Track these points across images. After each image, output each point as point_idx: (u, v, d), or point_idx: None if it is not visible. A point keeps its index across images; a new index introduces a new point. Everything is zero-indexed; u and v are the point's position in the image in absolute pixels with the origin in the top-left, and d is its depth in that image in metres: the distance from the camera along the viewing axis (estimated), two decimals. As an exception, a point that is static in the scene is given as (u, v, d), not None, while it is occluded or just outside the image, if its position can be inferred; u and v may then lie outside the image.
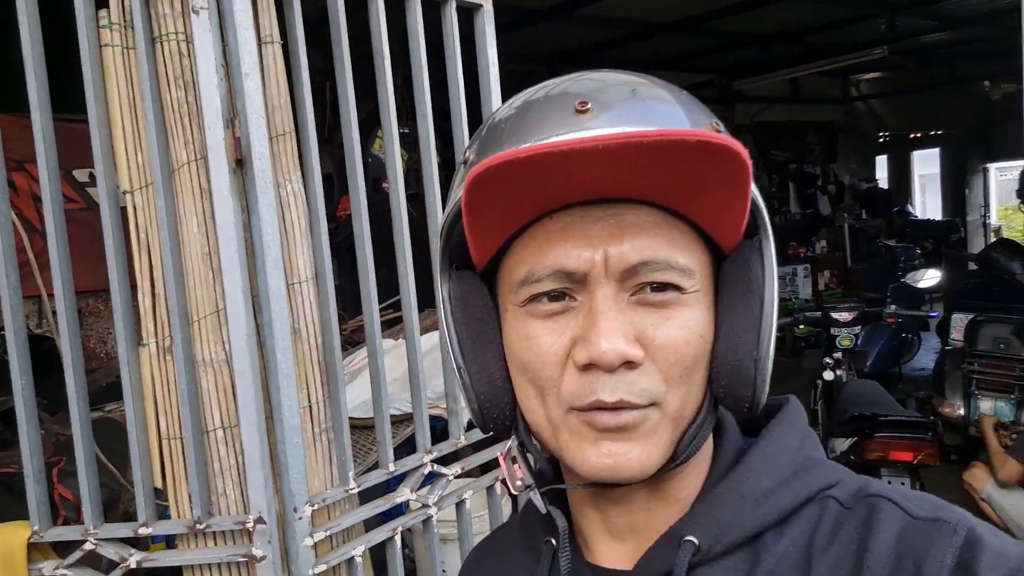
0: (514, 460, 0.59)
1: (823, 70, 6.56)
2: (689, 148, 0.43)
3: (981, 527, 0.47)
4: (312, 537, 1.40)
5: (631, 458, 0.50)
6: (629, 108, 0.49)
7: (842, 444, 2.79)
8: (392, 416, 2.66)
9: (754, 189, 0.49)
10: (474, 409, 0.57)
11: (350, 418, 2.76)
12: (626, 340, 0.48)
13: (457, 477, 1.71)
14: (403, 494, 1.60)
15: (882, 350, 5.32)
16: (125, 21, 1.34)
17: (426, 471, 1.64)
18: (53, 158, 1.37)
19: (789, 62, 6.55)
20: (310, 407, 1.49)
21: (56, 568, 1.41)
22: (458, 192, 0.52)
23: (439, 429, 2.40)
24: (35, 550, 1.43)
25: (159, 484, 1.44)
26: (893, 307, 3.39)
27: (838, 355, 3.40)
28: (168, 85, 1.33)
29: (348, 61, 1.51)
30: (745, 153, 0.43)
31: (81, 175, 3.70)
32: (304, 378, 1.48)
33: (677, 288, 0.50)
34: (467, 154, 0.56)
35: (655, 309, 0.50)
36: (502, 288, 0.56)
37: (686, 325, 0.50)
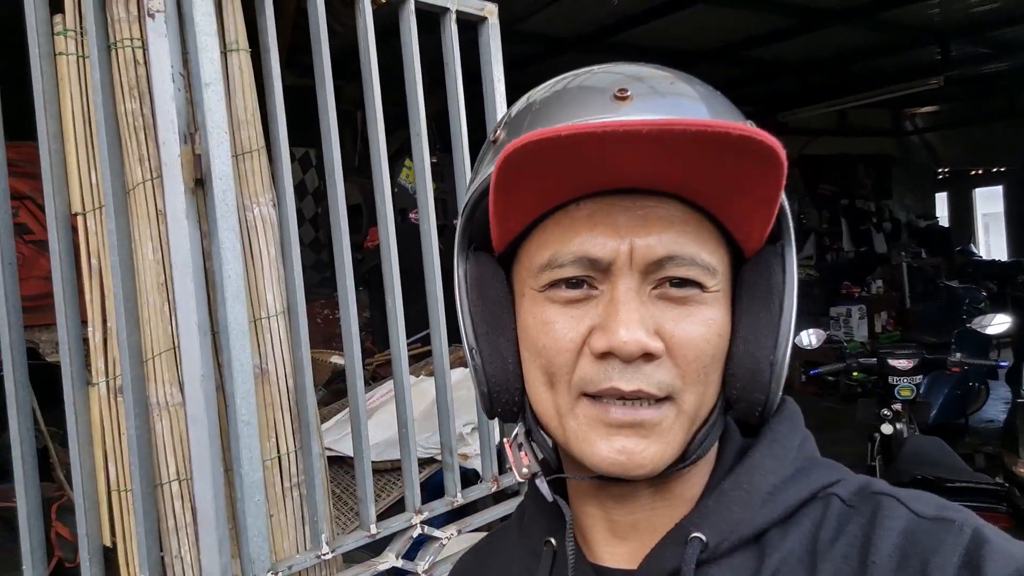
0: (520, 447, 0.58)
1: (874, 101, 6.28)
2: (731, 142, 0.42)
3: (987, 527, 0.47)
4: (274, 610, 1.22)
5: (645, 456, 0.49)
6: (669, 99, 0.49)
7: (902, 509, 2.47)
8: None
9: (782, 195, 0.48)
10: (483, 392, 0.55)
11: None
12: (646, 332, 0.48)
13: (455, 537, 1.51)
14: (387, 560, 1.41)
15: (946, 400, 4.90)
16: (81, 28, 1.23)
17: (415, 534, 1.45)
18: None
19: (836, 92, 6.29)
20: (279, 457, 1.32)
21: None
22: (487, 170, 0.51)
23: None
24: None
25: (108, 542, 1.28)
26: (958, 355, 3.05)
27: (897, 406, 3.07)
28: (122, 96, 1.20)
29: (377, 88, 1.44)
30: (784, 153, 0.43)
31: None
32: (273, 424, 1.32)
33: (699, 285, 0.50)
34: (497, 133, 0.54)
35: (676, 305, 0.49)
36: (520, 273, 0.54)
37: (707, 323, 0.50)
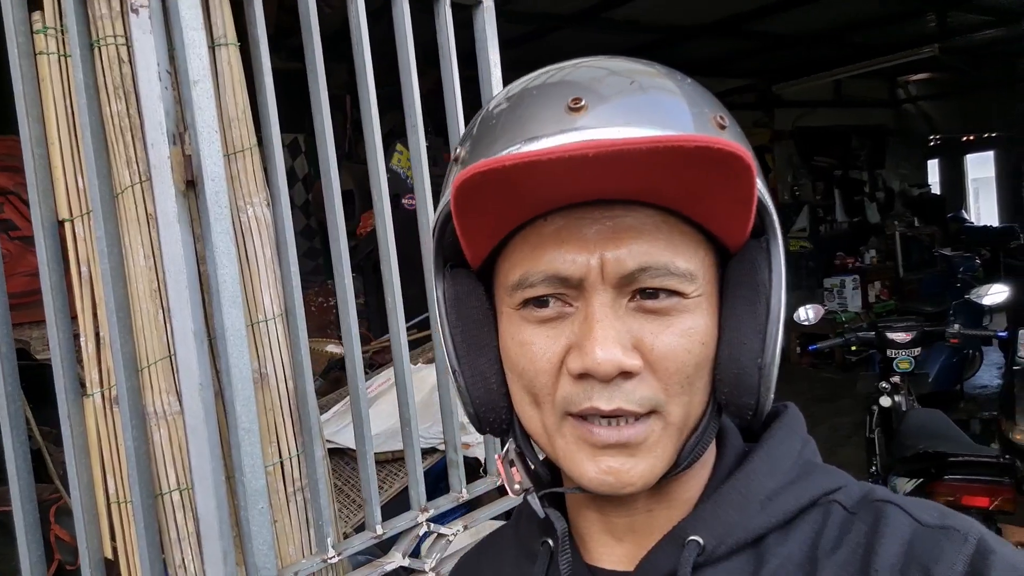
0: (511, 463, 0.57)
1: (868, 71, 6.21)
2: (686, 154, 0.40)
3: (991, 537, 0.46)
4: (282, 617, 1.20)
5: (633, 474, 0.48)
6: (626, 103, 0.46)
7: (905, 485, 2.46)
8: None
9: (761, 187, 0.46)
10: (470, 413, 0.55)
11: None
12: (623, 349, 0.46)
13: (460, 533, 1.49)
14: (394, 559, 1.39)
15: (941, 369, 4.91)
16: (62, 25, 1.17)
17: (421, 532, 1.43)
18: None
19: (832, 63, 6.22)
20: (281, 463, 1.30)
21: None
22: (448, 194, 0.49)
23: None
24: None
25: (109, 554, 1.25)
26: (956, 326, 3.04)
27: (895, 379, 3.07)
28: (107, 96, 1.16)
29: (370, 71, 1.37)
30: (748, 156, 0.40)
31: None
32: (275, 429, 1.29)
33: (678, 294, 0.48)
34: (459, 151, 0.53)
35: (655, 316, 0.48)
36: (498, 290, 0.53)
37: (687, 333, 0.48)
